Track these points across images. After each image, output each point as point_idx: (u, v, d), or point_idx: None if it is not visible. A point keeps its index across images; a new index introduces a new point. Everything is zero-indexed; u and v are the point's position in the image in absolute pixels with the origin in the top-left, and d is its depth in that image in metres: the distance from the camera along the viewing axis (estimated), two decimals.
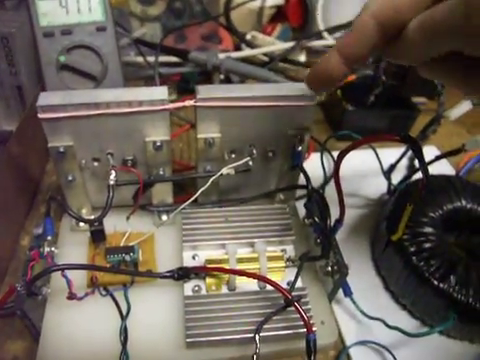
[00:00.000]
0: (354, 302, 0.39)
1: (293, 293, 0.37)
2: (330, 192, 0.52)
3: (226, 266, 0.38)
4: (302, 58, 0.67)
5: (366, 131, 0.58)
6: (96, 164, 0.40)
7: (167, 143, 0.39)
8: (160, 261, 0.41)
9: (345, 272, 0.37)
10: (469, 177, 0.50)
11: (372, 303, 0.42)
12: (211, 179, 0.39)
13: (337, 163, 0.34)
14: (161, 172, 0.41)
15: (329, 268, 0.39)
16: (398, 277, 0.41)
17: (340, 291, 0.39)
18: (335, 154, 0.56)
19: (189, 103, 0.37)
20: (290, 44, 0.63)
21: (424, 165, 0.33)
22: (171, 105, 0.37)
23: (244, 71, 0.53)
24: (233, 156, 0.41)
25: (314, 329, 0.36)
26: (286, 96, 0.38)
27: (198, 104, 0.37)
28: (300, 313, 0.33)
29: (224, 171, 0.40)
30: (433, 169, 0.49)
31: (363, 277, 0.45)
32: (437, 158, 0.46)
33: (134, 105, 0.36)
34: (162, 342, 0.36)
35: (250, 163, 0.41)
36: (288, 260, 0.40)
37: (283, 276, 0.40)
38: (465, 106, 0.47)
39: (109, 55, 0.50)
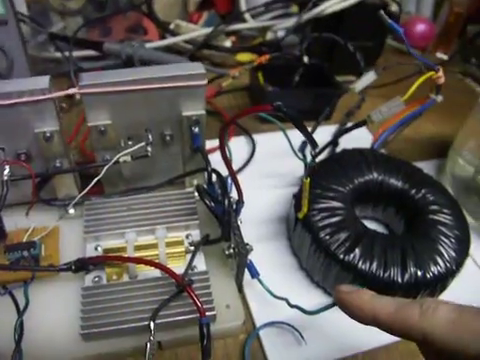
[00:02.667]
0: (262, 283, 0.38)
1: (193, 278, 0.36)
2: (247, 175, 0.52)
3: (125, 255, 0.38)
4: (227, 43, 0.66)
5: None
6: None
7: (58, 133, 0.38)
8: (64, 255, 0.40)
9: (244, 253, 0.36)
10: (387, 148, 0.49)
11: (288, 283, 0.42)
12: (105, 168, 0.38)
13: (220, 139, 0.33)
14: (58, 164, 0.40)
15: (231, 250, 0.38)
16: (308, 254, 0.41)
17: None
18: (256, 136, 0.55)
19: (72, 91, 0.36)
20: (209, 29, 0.62)
21: (308, 136, 0.33)
22: (53, 94, 0.36)
23: (157, 59, 0.52)
24: (130, 143, 0.40)
25: (212, 313, 0.35)
26: (173, 77, 0.37)
27: (81, 91, 0.36)
28: (192, 297, 0.32)
29: (120, 159, 0.39)
30: (355, 143, 0.48)
31: (279, 257, 0.44)
32: (342, 132, 0.46)
33: (14, 96, 0.35)
34: (60, 337, 0.35)
35: (149, 149, 0.40)
36: (191, 245, 0.39)
37: (186, 261, 0.39)
38: (370, 77, 0.46)
39: (13, 50, 0.49)
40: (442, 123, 0.63)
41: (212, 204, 0.37)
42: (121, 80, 0.36)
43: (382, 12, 0.41)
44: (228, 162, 0.34)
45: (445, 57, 0.74)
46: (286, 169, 0.51)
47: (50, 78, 0.36)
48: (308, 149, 0.48)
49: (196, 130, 0.40)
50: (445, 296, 0.40)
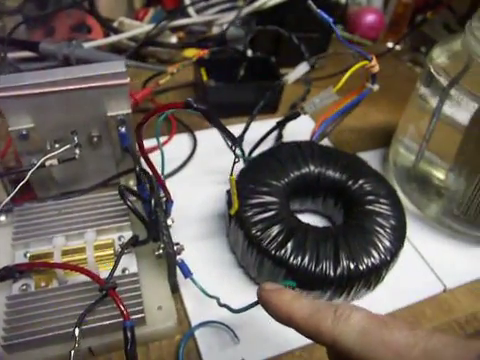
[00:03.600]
0: (195, 282, 0.37)
1: (122, 280, 0.36)
2: (189, 172, 0.51)
3: (52, 260, 0.37)
4: (173, 40, 0.65)
5: (234, 106, 0.58)
6: None
7: None
8: None
9: (173, 253, 0.35)
10: (334, 139, 0.49)
11: (226, 281, 0.42)
12: (29, 172, 0.37)
13: (138, 138, 0.32)
14: None
15: (160, 251, 0.37)
16: (242, 251, 0.40)
17: None
18: (198, 133, 0.55)
19: None
20: (150, 26, 0.61)
21: (223, 131, 0.33)
22: None
23: (95, 58, 0.51)
24: (57, 146, 0.39)
25: (140, 316, 0.35)
26: (94, 76, 0.36)
27: None
28: (115, 300, 0.32)
29: (46, 162, 0.38)
30: (300, 136, 0.48)
31: (218, 255, 0.44)
32: (275, 127, 0.45)
33: None
34: None
35: (76, 151, 0.39)
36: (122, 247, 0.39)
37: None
38: (302, 68, 0.46)
39: None
40: (390, 112, 0.63)
41: (137, 205, 0.36)
42: (39, 82, 0.35)
43: (310, 2, 0.40)
44: (148, 160, 0.33)
45: (390, 45, 0.76)
46: (228, 165, 0.50)
47: None
48: (244, 145, 0.48)
49: (123, 130, 0.39)
50: (384, 285, 0.40)
